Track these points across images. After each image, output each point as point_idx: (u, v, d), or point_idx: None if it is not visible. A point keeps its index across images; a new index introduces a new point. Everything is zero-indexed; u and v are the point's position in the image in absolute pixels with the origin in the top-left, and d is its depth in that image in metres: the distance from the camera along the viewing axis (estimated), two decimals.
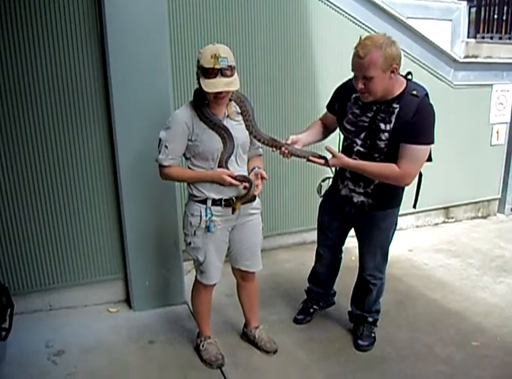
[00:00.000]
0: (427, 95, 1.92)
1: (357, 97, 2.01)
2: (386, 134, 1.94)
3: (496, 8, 5.35)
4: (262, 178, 1.98)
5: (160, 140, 1.94)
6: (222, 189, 1.96)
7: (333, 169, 2.22)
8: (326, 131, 2.26)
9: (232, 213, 1.96)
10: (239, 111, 2.02)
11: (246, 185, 1.91)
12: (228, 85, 1.83)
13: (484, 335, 2.48)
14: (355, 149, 2.05)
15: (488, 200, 4.53)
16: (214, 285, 2.16)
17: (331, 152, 1.96)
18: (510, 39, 5.18)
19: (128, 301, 2.77)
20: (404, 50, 2.10)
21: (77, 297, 2.70)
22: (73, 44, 2.38)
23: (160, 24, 2.41)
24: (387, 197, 2.10)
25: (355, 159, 2.03)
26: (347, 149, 2.10)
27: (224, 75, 1.81)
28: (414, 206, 2.21)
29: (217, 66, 1.79)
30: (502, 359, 2.29)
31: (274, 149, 2.03)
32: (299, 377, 2.16)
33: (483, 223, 4.39)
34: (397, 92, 1.92)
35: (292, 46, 3.24)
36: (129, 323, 2.57)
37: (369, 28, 3.38)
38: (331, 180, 2.31)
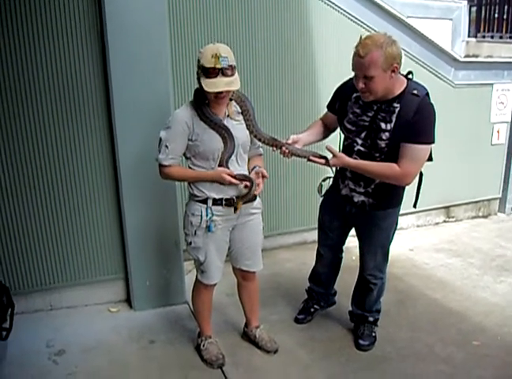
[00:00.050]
0: (427, 94, 1.92)
1: (358, 96, 2.01)
2: (387, 134, 1.94)
3: (497, 7, 5.35)
4: (263, 176, 1.97)
5: (161, 139, 1.93)
6: (223, 189, 1.95)
7: (334, 169, 2.22)
8: (327, 131, 2.25)
9: (234, 212, 1.96)
10: (240, 111, 2.01)
11: (247, 183, 1.91)
12: (229, 85, 1.82)
13: (485, 335, 2.47)
14: (355, 149, 2.05)
15: (489, 200, 4.52)
16: (215, 285, 2.16)
17: (331, 152, 1.95)
18: (510, 38, 5.18)
19: (129, 300, 2.77)
20: (404, 50, 2.09)
21: (77, 296, 2.70)
22: (73, 42, 2.38)
23: (160, 22, 2.41)
24: (388, 196, 2.09)
25: (355, 158, 2.03)
26: (347, 149, 2.09)
27: (224, 75, 1.81)
28: (414, 205, 2.21)
29: (218, 66, 1.79)
30: (502, 359, 2.29)
31: (275, 149, 2.03)
32: (299, 376, 2.16)
33: (484, 222, 4.39)
34: (398, 92, 1.91)
35: (293, 45, 3.24)
36: (130, 323, 2.58)
37: (369, 27, 3.38)
38: (331, 180, 2.31)
